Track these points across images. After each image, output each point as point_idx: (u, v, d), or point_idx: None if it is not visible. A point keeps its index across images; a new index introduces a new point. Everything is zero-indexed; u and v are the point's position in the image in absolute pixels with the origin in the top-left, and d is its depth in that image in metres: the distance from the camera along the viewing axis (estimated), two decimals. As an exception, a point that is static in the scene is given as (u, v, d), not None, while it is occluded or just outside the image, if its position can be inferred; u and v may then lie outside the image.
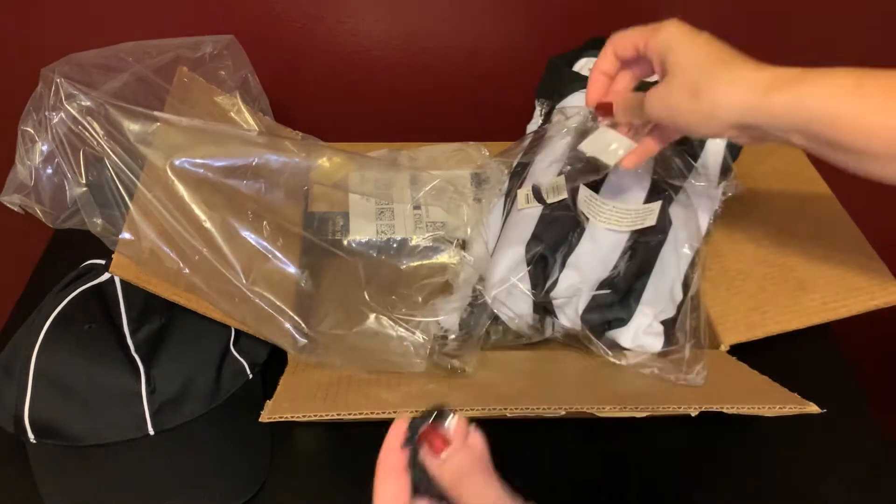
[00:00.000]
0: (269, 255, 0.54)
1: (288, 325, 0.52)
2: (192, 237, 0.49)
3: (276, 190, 0.64)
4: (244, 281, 0.51)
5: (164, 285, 0.49)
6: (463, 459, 0.33)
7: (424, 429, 0.34)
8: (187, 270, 0.49)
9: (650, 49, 0.45)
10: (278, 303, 0.52)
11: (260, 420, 0.46)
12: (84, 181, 0.49)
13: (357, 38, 0.74)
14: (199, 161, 0.52)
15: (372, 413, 0.47)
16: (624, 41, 0.47)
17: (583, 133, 0.60)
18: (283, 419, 0.47)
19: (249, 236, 0.54)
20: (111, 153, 0.49)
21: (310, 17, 0.72)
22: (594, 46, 0.67)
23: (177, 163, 0.50)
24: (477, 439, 0.35)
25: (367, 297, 0.57)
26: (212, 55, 0.62)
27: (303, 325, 0.52)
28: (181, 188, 0.49)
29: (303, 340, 0.52)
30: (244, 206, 0.57)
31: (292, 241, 0.59)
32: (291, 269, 0.55)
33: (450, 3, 0.72)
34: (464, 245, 0.64)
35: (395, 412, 0.47)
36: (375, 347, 0.54)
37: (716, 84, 0.41)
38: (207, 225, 0.50)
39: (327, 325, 0.53)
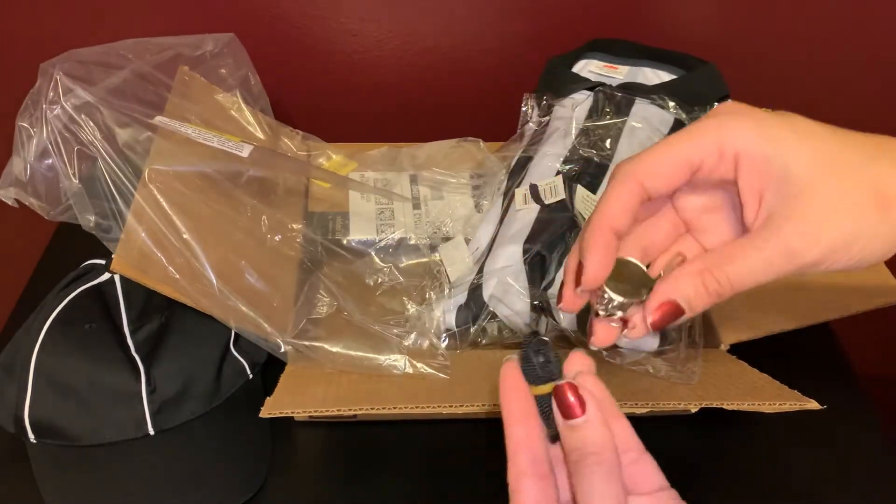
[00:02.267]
0: (252, 267, 0.54)
1: (270, 329, 0.52)
2: (177, 241, 0.49)
3: (275, 190, 0.64)
4: (221, 290, 0.50)
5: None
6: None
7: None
8: (176, 275, 0.49)
9: (740, 163, 0.28)
10: (253, 314, 0.51)
11: (260, 416, 0.46)
12: (77, 178, 0.49)
13: (357, 38, 0.74)
14: (191, 167, 0.53)
15: (372, 409, 0.47)
16: (661, 164, 0.29)
17: (584, 132, 0.60)
18: (283, 415, 0.47)
19: (236, 243, 0.54)
20: (104, 153, 0.49)
21: (310, 17, 0.72)
22: (594, 48, 0.68)
23: (163, 170, 0.50)
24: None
25: (349, 306, 0.57)
26: (212, 53, 0.62)
27: (279, 336, 0.52)
28: (160, 197, 0.49)
29: (285, 347, 0.52)
30: (242, 206, 0.57)
31: (291, 242, 0.59)
32: (270, 284, 0.54)
33: (450, 4, 0.72)
34: (463, 244, 0.64)
35: (395, 408, 0.47)
36: (359, 355, 0.54)
37: None
38: (186, 236, 0.49)
39: (307, 337, 0.53)
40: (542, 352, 0.28)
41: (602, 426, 0.27)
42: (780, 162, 0.28)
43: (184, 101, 0.58)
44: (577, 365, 0.29)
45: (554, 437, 0.29)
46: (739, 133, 0.28)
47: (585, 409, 0.27)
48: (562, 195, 0.57)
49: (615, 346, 0.55)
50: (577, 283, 0.30)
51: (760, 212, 0.29)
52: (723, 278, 0.28)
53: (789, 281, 0.60)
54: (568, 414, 0.27)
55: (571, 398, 0.27)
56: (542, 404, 0.29)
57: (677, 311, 0.29)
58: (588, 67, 0.67)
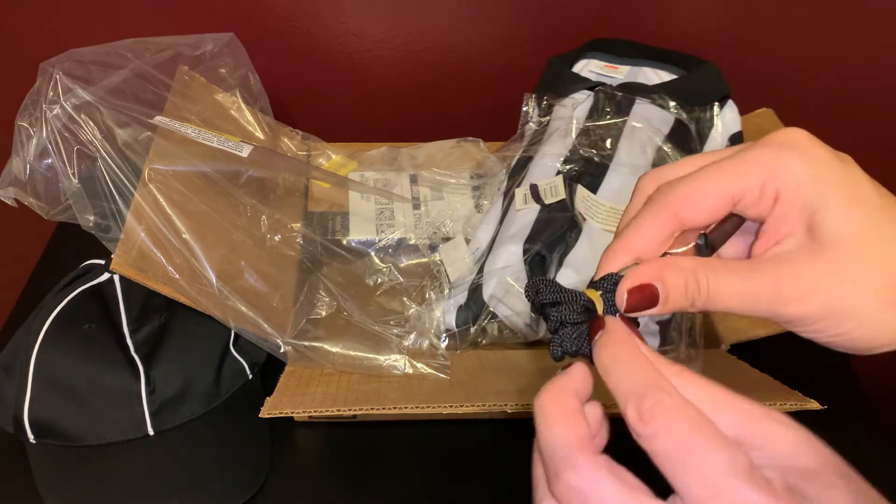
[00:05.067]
0: (252, 267, 0.54)
1: (270, 330, 0.52)
2: (176, 241, 0.49)
3: (274, 190, 0.64)
4: (221, 290, 0.50)
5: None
6: None
7: None
8: (175, 275, 0.49)
9: (778, 204, 0.26)
10: (252, 314, 0.51)
11: (260, 416, 0.46)
12: (76, 178, 0.49)
13: (357, 37, 0.74)
14: (190, 167, 0.53)
15: (372, 409, 0.47)
16: (703, 196, 0.26)
17: (584, 132, 0.60)
18: (283, 415, 0.47)
19: (236, 243, 0.54)
20: (103, 153, 0.49)
21: (310, 17, 0.72)
22: (594, 48, 0.67)
23: (162, 170, 0.50)
24: None
25: (349, 306, 0.57)
26: (212, 53, 0.62)
27: (278, 336, 0.52)
28: (160, 197, 0.49)
29: (285, 347, 0.52)
30: (242, 206, 0.57)
31: (291, 242, 0.59)
32: (270, 284, 0.54)
33: (450, 4, 0.72)
34: (463, 244, 0.64)
35: (395, 408, 0.47)
36: (359, 355, 0.54)
37: None
38: (185, 236, 0.49)
39: (306, 337, 0.53)
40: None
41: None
42: (818, 217, 0.25)
43: (183, 100, 0.58)
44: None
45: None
46: (790, 175, 0.26)
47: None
48: (562, 195, 0.57)
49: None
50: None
51: (773, 249, 0.27)
52: (704, 287, 0.26)
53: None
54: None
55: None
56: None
57: (652, 298, 0.26)
58: (588, 67, 0.67)
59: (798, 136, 0.26)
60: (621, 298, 0.27)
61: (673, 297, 0.26)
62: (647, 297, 0.26)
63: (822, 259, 0.25)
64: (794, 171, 0.25)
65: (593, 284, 0.28)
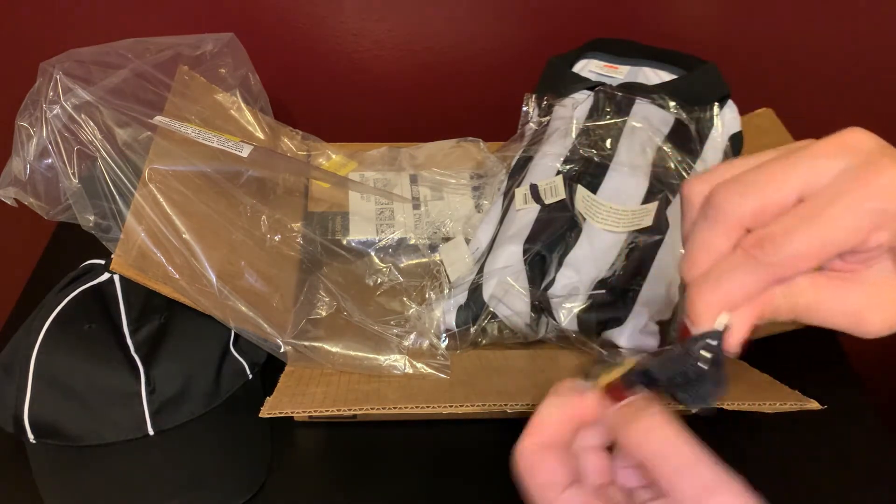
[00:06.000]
0: (252, 267, 0.54)
1: (270, 330, 0.52)
2: (176, 241, 0.49)
3: (274, 190, 0.64)
4: (221, 290, 0.50)
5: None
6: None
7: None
8: (175, 275, 0.49)
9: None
10: (252, 314, 0.51)
11: (260, 416, 0.46)
12: (77, 178, 0.49)
13: (357, 38, 0.74)
14: (190, 167, 0.53)
15: (372, 409, 0.47)
16: (766, 193, 0.24)
17: (584, 132, 0.60)
18: (283, 415, 0.47)
19: (236, 243, 0.54)
20: (103, 153, 0.49)
21: (310, 17, 0.72)
22: (594, 48, 0.67)
23: (163, 170, 0.50)
24: None
25: (349, 306, 0.57)
26: (212, 53, 0.62)
27: (278, 336, 0.52)
28: (160, 197, 0.49)
29: (285, 347, 0.52)
30: (242, 206, 0.57)
31: (291, 242, 0.59)
32: (270, 284, 0.54)
33: (450, 4, 0.72)
34: (463, 244, 0.64)
35: (395, 408, 0.47)
36: (359, 355, 0.54)
37: None
38: (185, 236, 0.49)
39: (306, 337, 0.53)
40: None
41: None
42: None
43: (183, 100, 0.58)
44: None
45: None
46: (879, 188, 0.23)
47: None
48: (562, 195, 0.57)
49: (615, 346, 0.55)
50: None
51: (863, 270, 0.26)
52: (802, 303, 0.26)
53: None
54: None
55: None
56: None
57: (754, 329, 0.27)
58: (588, 67, 0.67)
59: (868, 135, 0.24)
60: (734, 349, 0.28)
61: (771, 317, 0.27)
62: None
63: None
64: (884, 182, 0.23)
65: (694, 339, 0.28)
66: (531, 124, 0.66)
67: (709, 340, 0.27)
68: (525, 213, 0.59)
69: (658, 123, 0.59)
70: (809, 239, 0.24)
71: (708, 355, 0.28)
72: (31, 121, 0.49)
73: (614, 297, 0.54)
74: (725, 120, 0.60)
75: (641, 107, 0.60)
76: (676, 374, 0.28)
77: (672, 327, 0.55)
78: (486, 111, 0.80)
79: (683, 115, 0.59)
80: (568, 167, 0.59)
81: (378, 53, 0.75)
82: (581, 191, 0.58)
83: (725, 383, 0.28)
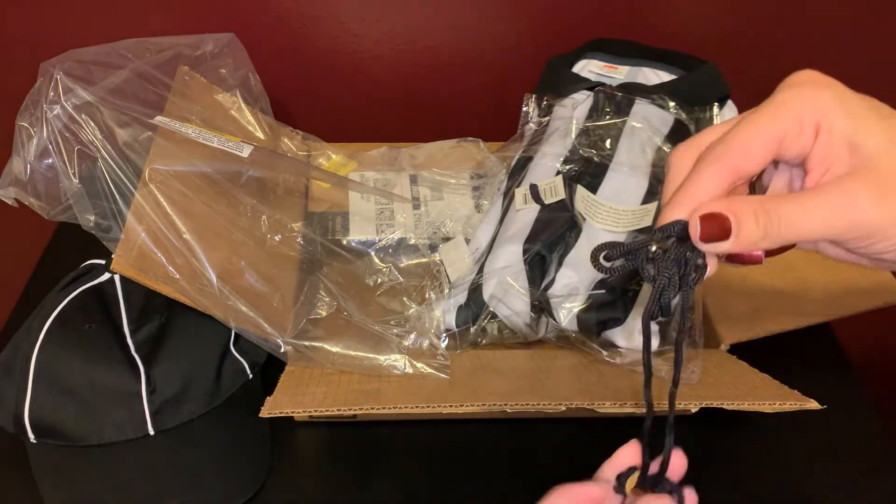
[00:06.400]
0: (252, 267, 0.54)
1: (270, 329, 0.52)
2: (177, 241, 0.49)
3: (275, 190, 0.64)
4: (221, 290, 0.50)
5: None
6: None
7: None
8: (176, 275, 0.49)
9: (819, 135, 0.28)
10: (253, 314, 0.51)
11: (260, 416, 0.46)
12: (77, 178, 0.49)
13: (357, 37, 0.74)
14: (191, 167, 0.53)
15: (372, 409, 0.47)
16: (752, 144, 0.28)
17: (584, 132, 0.60)
18: (283, 415, 0.47)
19: (236, 243, 0.54)
20: (104, 153, 0.49)
21: (310, 17, 0.72)
22: (594, 48, 0.68)
23: (163, 170, 0.50)
24: None
25: (349, 306, 0.57)
26: (212, 53, 0.62)
27: (278, 336, 0.52)
28: (160, 197, 0.49)
29: (285, 347, 0.52)
30: (242, 206, 0.57)
31: (291, 242, 0.59)
32: (270, 284, 0.54)
33: (450, 4, 0.72)
34: (463, 244, 0.64)
35: (395, 408, 0.47)
36: (359, 355, 0.54)
37: None
38: (186, 236, 0.49)
39: (307, 337, 0.53)
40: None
41: None
42: (858, 137, 0.28)
43: (184, 100, 0.59)
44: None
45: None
46: (821, 105, 0.28)
47: None
48: (562, 195, 0.58)
49: (615, 346, 0.55)
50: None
51: (825, 177, 0.29)
52: (774, 217, 0.27)
53: (789, 281, 0.61)
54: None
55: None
56: None
57: (724, 230, 0.27)
58: (588, 67, 0.67)
59: (813, 74, 0.29)
60: (695, 226, 0.28)
61: (745, 229, 0.27)
62: (719, 226, 0.27)
63: (876, 172, 0.27)
64: (826, 101, 0.28)
65: (660, 230, 0.29)
66: (531, 124, 0.66)
67: (671, 226, 0.29)
68: (525, 213, 0.59)
69: (658, 123, 0.59)
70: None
71: (668, 236, 0.29)
72: (31, 121, 0.49)
73: (614, 297, 0.54)
74: (725, 120, 0.60)
75: (641, 107, 0.60)
76: (645, 261, 0.29)
77: (671, 327, 0.55)
78: (486, 111, 0.80)
79: (683, 116, 0.59)
80: (568, 167, 0.59)
81: (378, 53, 0.75)
82: (581, 191, 0.58)
83: (702, 270, 0.29)
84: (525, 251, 0.56)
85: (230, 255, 0.52)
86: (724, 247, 0.28)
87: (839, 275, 0.58)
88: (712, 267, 0.30)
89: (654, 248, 0.29)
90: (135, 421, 0.50)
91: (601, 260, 0.30)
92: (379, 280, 0.62)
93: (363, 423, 0.55)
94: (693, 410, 0.48)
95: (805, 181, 0.30)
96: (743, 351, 0.57)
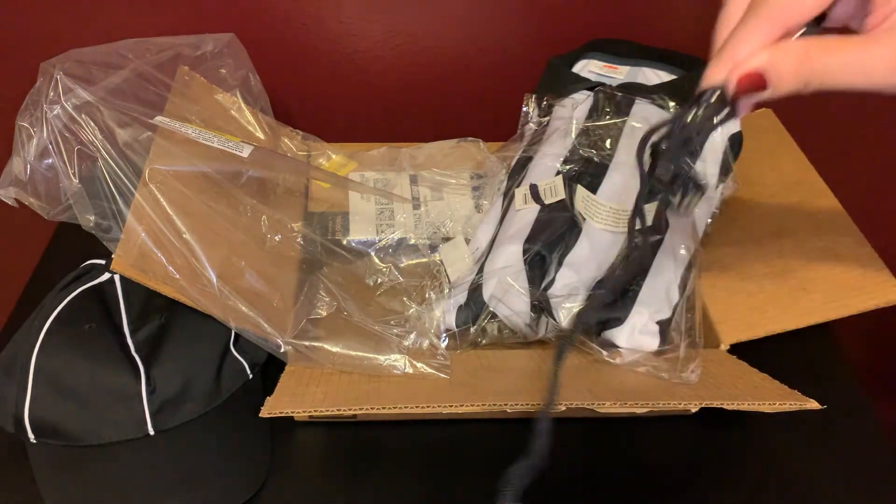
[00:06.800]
0: (252, 267, 0.54)
1: (270, 329, 0.52)
2: (177, 241, 0.49)
3: (275, 190, 0.64)
4: (221, 290, 0.50)
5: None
6: None
7: None
8: (176, 274, 0.49)
9: None
10: (253, 314, 0.51)
11: (260, 416, 0.46)
12: (77, 178, 0.49)
13: (357, 38, 0.74)
14: (191, 167, 0.53)
15: (372, 409, 0.47)
16: None
17: (584, 132, 0.60)
18: (283, 415, 0.47)
19: (236, 243, 0.54)
20: (104, 153, 0.49)
21: (310, 17, 0.72)
22: (594, 48, 0.68)
23: (163, 170, 0.50)
24: None
25: (349, 306, 0.57)
26: (212, 53, 0.62)
27: (278, 336, 0.52)
28: (161, 197, 0.49)
29: (285, 347, 0.52)
30: (242, 206, 0.57)
31: (291, 242, 0.59)
32: (270, 284, 0.54)
33: (450, 4, 0.72)
34: (463, 244, 0.64)
35: (395, 408, 0.47)
36: (359, 355, 0.54)
37: None
38: (186, 236, 0.49)
39: (307, 337, 0.53)
40: None
41: None
42: None
43: (184, 101, 0.59)
44: None
45: None
46: None
47: None
48: (562, 195, 0.58)
49: (615, 346, 0.55)
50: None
51: (886, 21, 0.27)
52: (818, 65, 0.27)
53: (789, 281, 0.61)
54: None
55: None
56: None
57: (760, 84, 0.28)
58: (588, 67, 0.67)
59: None
60: (731, 88, 0.29)
61: (786, 77, 0.27)
62: (756, 82, 0.28)
63: None
64: None
65: (698, 98, 0.30)
66: (531, 124, 0.66)
67: (714, 91, 0.30)
68: (525, 213, 0.59)
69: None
70: None
71: (714, 101, 0.30)
72: (31, 121, 0.49)
73: (614, 296, 0.54)
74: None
75: (641, 107, 0.60)
76: (690, 132, 0.31)
77: (672, 327, 0.55)
78: (486, 111, 0.80)
79: (683, 116, 0.59)
80: (568, 167, 0.59)
81: (378, 53, 0.76)
82: (581, 191, 0.58)
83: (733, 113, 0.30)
84: (525, 251, 0.56)
85: (230, 255, 0.52)
86: (762, 97, 0.28)
87: (839, 275, 0.58)
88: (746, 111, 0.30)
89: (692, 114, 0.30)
90: (135, 421, 0.50)
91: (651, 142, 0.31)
92: (379, 280, 0.63)
93: (363, 423, 0.55)
94: (693, 410, 0.48)
95: (866, 21, 0.28)
96: (743, 351, 0.57)
